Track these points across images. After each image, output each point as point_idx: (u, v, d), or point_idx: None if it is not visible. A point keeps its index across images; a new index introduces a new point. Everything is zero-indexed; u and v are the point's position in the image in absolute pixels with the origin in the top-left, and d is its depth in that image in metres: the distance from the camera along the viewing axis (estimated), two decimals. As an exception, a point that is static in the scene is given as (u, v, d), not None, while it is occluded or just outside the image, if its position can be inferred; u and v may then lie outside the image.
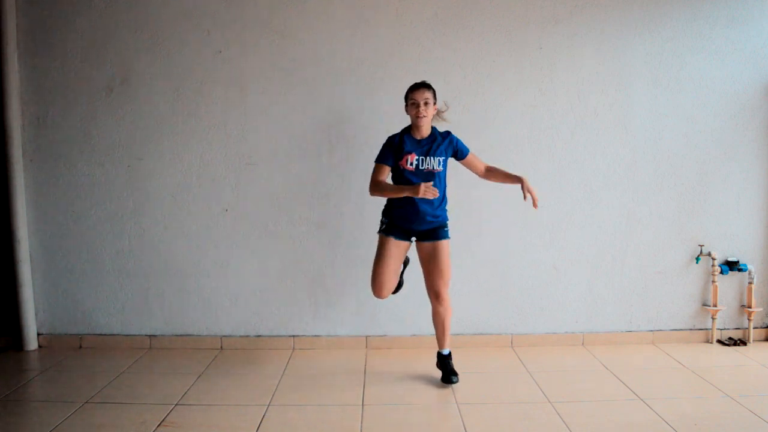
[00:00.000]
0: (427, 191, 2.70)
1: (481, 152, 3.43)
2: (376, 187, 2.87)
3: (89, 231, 3.49)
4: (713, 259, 3.53)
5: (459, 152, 2.96)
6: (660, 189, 3.52)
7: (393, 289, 3.00)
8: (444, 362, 2.99)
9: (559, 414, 2.58)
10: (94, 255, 3.50)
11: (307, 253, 3.49)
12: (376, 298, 3.01)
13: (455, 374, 2.93)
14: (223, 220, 3.48)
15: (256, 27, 3.39)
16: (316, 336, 3.53)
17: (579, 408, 2.64)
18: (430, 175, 2.86)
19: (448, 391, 2.85)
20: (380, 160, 2.90)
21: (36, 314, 3.51)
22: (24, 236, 3.43)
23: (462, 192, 3.45)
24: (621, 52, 3.45)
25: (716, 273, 3.52)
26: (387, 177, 2.92)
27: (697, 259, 3.55)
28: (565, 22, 3.42)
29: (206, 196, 3.47)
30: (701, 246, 3.55)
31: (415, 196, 2.75)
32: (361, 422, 2.52)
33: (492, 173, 3.00)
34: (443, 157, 2.89)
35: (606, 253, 3.54)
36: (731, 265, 3.54)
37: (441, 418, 2.59)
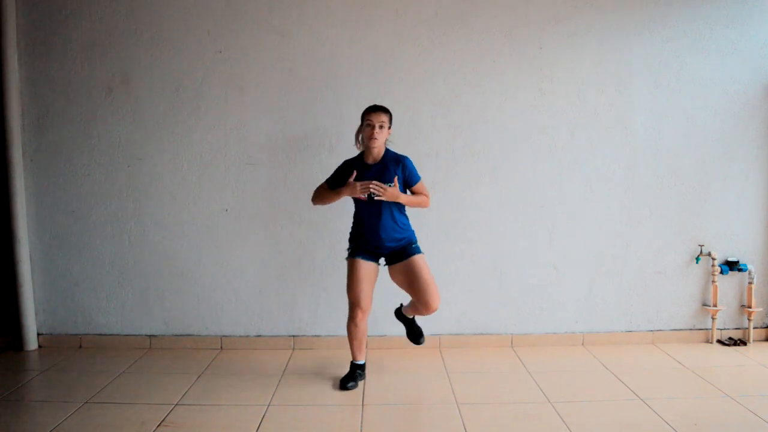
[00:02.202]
0: (364, 189, 2.73)
1: (481, 152, 3.45)
2: (314, 194, 2.95)
3: (89, 231, 3.49)
4: (713, 259, 3.52)
5: (407, 179, 2.85)
6: (660, 189, 3.52)
7: (369, 308, 2.89)
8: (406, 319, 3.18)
9: (559, 414, 2.58)
10: (94, 255, 3.50)
11: (307, 253, 3.49)
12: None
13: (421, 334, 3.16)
14: (223, 220, 3.48)
15: (256, 27, 3.39)
16: (316, 336, 3.53)
17: (579, 408, 2.65)
18: (381, 203, 2.80)
19: (448, 391, 2.85)
20: (327, 180, 2.96)
21: (36, 314, 3.51)
22: (24, 236, 3.43)
23: (462, 193, 3.46)
24: (621, 52, 3.45)
25: (716, 273, 3.52)
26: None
27: (697, 259, 3.55)
28: (565, 22, 3.42)
29: (206, 196, 3.47)
30: (701, 246, 3.55)
31: (353, 195, 2.79)
32: (361, 422, 2.52)
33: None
34: (393, 185, 2.79)
35: (606, 253, 3.54)
36: (731, 265, 3.54)
37: (441, 418, 2.59)
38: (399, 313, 3.20)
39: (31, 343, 3.49)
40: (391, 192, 2.75)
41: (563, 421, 2.50)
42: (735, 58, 3.48)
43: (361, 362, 2.97)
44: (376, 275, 2.94)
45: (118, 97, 3.43)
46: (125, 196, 3.47)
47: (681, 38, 3.46)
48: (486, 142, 3.45)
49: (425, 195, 2.91)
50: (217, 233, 3.48)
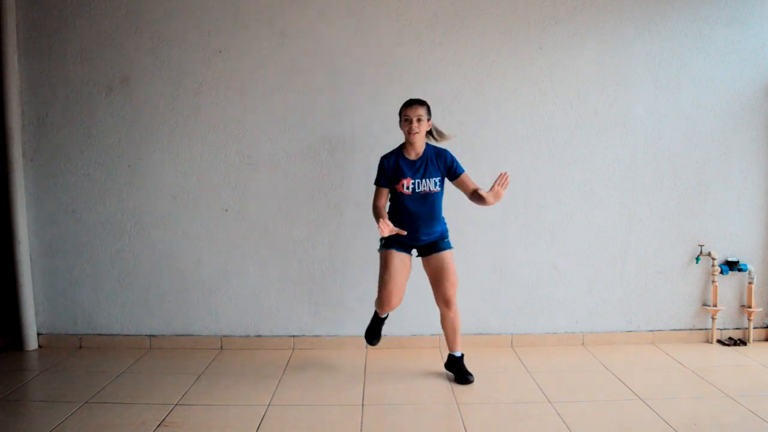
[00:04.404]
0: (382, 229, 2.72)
1: (481, 152, 3.45)
2: (373, 210, 2.91)
3: (89, 231, 3.49)
4: (713, 259, 3.52)
5: (452, 171, 2.89)
6: (660, 189, 3.52)
7: (399, 302, 2.93)
8: (458, 364, 3.03)
9: (559, 414, 2.58)
10: (94, 255, 3.50)
11: (307, 253, 3.49)
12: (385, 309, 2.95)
13: (470, 374, 2.98)
14: (223, 220, 3.48)
15: (256, 27, 3.39)
16: (316, 336, 3.53)
17: (579, 408, 2.65)
18: (426, 197, 2.86)
19: (448, 391, 2.85)
20: (378, 183, 2.93)
21: (36, 314, 3.51)
22: (24, 236, 3.43)
23: (462, 193, 3.45)
24: (621, 52, 3.45)
25: (716, 273, 3.52)
26: (387, 197, 2.93)
27: (697, 259, 3.55)
28: (565, 22, 3.42)
29: (206, 196, 3.47)
30: (701, 246, 3.55)
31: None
32: (361, 422, 2.52)
33: (475, 197, 2.86)
34: (438, 178, 2.87)
35: (606, 253, 3.54)
36: (731, 265, 3.54)
37: (441, 418, 2.59)
38: (451, 364, 3.09)
39: (31, 343, 3.49)
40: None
41: (563, 421, 2.50)
42: (735, 58, 3.48)
43: (384, 315, 3.05)
44: (409, 269, 2.95)
45: (118, 97, 3.43)
46: (125, 196, 3.47)
47: (681, 38, 3.46)
48: (486, 142, 3.45)
49: (478, 188, 2.85)
50: (217, 233, 3.48)
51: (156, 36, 3.40)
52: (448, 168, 2.89)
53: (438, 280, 2.93)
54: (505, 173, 2.75)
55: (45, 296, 3.53)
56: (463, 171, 2.92)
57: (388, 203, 2.97)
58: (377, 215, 2.86)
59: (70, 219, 3.48)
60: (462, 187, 2.92)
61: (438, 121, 3.41)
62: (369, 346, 3.00)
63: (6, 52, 3.31)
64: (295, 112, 3.43)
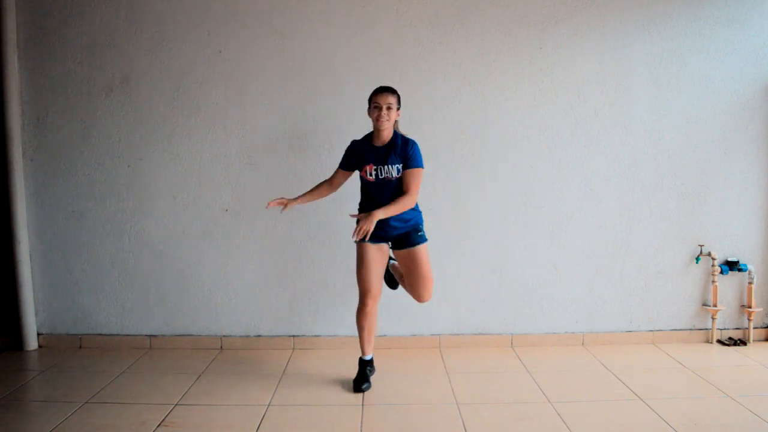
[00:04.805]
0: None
1: (480, 152, 3.45)
2: (324, 182, 3.04)
3: (89, 231, 3.49)
4: (713, 259, 3.52)
5: (406, 161, 2.77)
6: (660, 189, 3.52)
7: (379, 294, 2.89)
8: None
9: (559, 414, 2.58)
10: (94, 255, 3.50)
11: (307, 253, 3.49)
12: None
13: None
14: (223, 220, 3.48)
15: (256, 27, 3.39)
16: (316, 336, 3.53)
17: (579, 408, 2.65)
18: (389, 184, 2.79)
19: (448, 391, 2.85)
20: (339, 164, 2.97)
21: (36, 314, 3.51)
22: (24, 236, 3.43)
23: (462, 193, 3.46)
24: (621, 52, 3.45)
25: (716, 273, 3.52)
26: (343, 178, 3.00)
27: (697, 259, 3.55)
28: (565, 21, 3.42)
29: (206, 196, 3.47)
30: (701, 246, 3.55)
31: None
32: (361, 422, 2.52)
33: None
34: (400, 165, 2.78)
35: (606, 253, 3.54)
36: (731, 265, 3.54)
37: (441, 418, 2.59)
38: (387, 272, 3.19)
39: (31, 343, 3.49)
40: (368, 222, 2.65)
41: (563, 421, 2.50)
42: (735, 58, 3.48)
43: (369, 357, 2.95)
44: (385, 258, 2.93)
45: (118, 97, 3.43)
46: (125, 196, 3.47)
47: (681, 38, 3.46)
48: (486, 142, 3.45)
49: (408, 192, 2.76)
50: (217, 233, 3.48)
51: (156, 36, 3.40)
52: (404, 156, 2.77)
53: (410, 276, 2.92)
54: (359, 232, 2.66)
55: (45, 296, 3.53)
56: (416, 167, 2.77)
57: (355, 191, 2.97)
58: (324, 185, 3.01)
59: (70, 219, 3.49)
60: (402, 180, 2.79)
61: (438, 121, 3.43)
62: (359, 392, 2.83)
63: (6, 52, 3.32)
64: (295, 112, 3.43)
